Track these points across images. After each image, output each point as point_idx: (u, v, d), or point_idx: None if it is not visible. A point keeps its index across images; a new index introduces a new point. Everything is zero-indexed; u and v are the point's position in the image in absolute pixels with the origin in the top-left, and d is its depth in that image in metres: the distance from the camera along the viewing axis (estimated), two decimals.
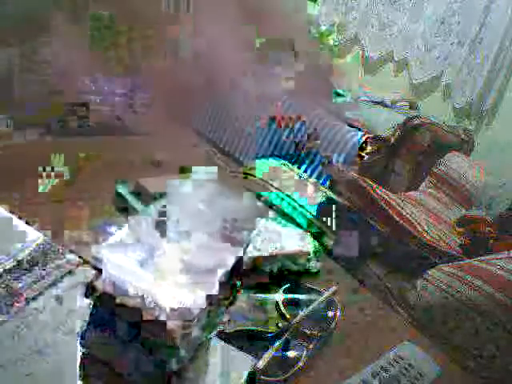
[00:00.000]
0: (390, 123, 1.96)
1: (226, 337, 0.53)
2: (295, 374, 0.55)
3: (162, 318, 0.34)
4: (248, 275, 0.65)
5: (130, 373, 0.39)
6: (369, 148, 1.89)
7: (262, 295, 0.65)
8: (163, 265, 0.37)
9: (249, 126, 2.15)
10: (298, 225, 1.40)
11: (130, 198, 0.71)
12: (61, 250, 0.55)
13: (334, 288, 0.66)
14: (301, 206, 1.47)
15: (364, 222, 1.35)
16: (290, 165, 1.71)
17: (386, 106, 2.38)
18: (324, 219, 1.41)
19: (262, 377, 0.53)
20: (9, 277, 0.50)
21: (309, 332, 0.60)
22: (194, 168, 0.56)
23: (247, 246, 0.41)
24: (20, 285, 0.50)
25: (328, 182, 1.75)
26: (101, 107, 1.03)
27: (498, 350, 1.03)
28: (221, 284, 0.37)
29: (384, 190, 1.41)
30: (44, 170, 0.75)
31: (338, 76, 2.55)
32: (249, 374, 0.50)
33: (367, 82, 2.60)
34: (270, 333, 0.58)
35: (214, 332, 0.46)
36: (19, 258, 0.52)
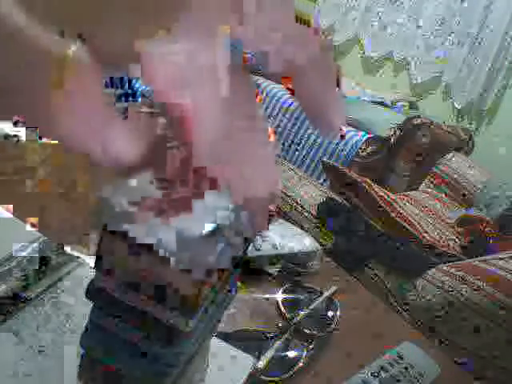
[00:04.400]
0: (390, 123, 1.96)
1: (225, 337, 0.53)
2: (295, 373, 0.55)
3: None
4: (248, 275, 0.65)
5: (130, 373, 0.39)
6: (369, 148, 1.89)
7: (262, 295, 0.65)
8: None
9: None
10: (298, 225, 1.40)
11: None
12: (61, 250, 0.55)
13: (334, 288, 0.66)
14: (301, 205, 1.47)
15: (363, 222, 1.35)
16: (289, 164, 1.71)
17: (385, 105, 2.38)
18: (324, 219, 1.41)
19: (262, 377, 0.53)
20: (9, 277, 0.50)
21: (309, 332, 0.60)
22: None
23: (248, 246, 0.41)
24: (20, 285, 0.50)
25: (328, 182, 1.75)
26: None
27: (498, 349, 1.03)
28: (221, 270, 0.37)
29: (384, 189, 1.41)
30: None
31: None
32: (249, 374, 0.50)
33: (367, 82, 2.61)
34: (270, 333, 0.58)
35: (215, 332, 0.46)
36: (19, 259, 0.52)
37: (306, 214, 1.44)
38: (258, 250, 0.68)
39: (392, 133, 1.89)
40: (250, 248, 0.43)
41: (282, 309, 0.63)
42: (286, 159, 2.01)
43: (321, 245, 0.75)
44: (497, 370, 1.02)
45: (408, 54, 2.53)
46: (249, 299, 0.64)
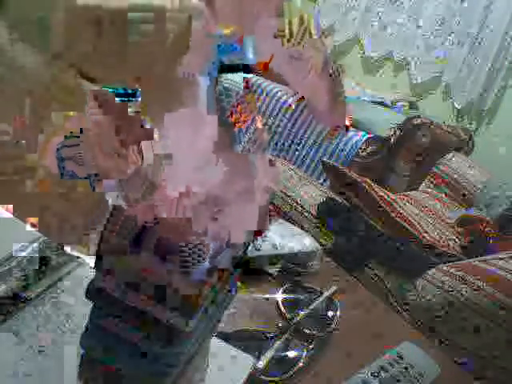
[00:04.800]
0: (390, 123, 1.96)
1: (225, 337, 0.53)
2: (295, 373, 0.55)
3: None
4: (248, 275, 0.65)
5: (130, 373, 0.39)
6: (369, 148, 1.89)
7: (262, 295, 0.65)
8: None
9: None
10: (298, 225, 1.40)
11: None
12: (61, 250, 0.55)
13: (334, 288, 0.66)
14: (301, 205, 1.47)
15: (363, 222, 1.35)
16: (289, 164, 1.71)
17: (385, 105, 2.38)
18: (324, 219, 1.41)
19: (262, 377, 0.53)
20: (9, 277, 0.50)
21: (309, 332, 0.60)
22: None
23: (248, 246, 0.41)
24: (20, 285, 0.50)
25: (328, 182, 1.75)
26: None
27: (498, 349, 1.03)
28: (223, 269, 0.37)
29: (384, 189, 1.41)
30: None
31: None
32: (249, 374, 0.50)
33: (367, 82, 2.60)
34: (270, 333, 0.58)
35: (215, 332, 0.46)
36: (19, 259, 0.52)
37: (306, 214, 1.44)
38: (258, 250, 0.68)
39: (392, 133, 1.89)
40: (250, 248, 0.43)
41: (282, 309, 0.63)
42: (286, 159, 2.01)
43: (321, 245, 0.75)
44: (497, 369, 1.02)
45: (408, 54, 2.53)
46: (249, 299, 0.63)
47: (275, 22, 0.33)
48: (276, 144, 2.13)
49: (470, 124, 2.39)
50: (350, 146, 1.95)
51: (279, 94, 2.15)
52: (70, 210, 0.46)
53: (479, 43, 2.27)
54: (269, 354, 0.54)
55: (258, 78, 2.19)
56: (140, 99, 0.31)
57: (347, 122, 0.36)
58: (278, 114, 2.14)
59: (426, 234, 1.31)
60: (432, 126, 1.89)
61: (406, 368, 0.58)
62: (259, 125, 0.38)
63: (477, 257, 1.20)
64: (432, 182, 1.93)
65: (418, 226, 1.32)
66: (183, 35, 0.30)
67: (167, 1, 0.32)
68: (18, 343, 0.44)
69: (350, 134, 1.98)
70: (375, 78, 2.71)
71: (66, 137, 0.33)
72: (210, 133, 0.29)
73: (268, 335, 0.57)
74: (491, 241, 1.43)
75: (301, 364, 0.56)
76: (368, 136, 1.95)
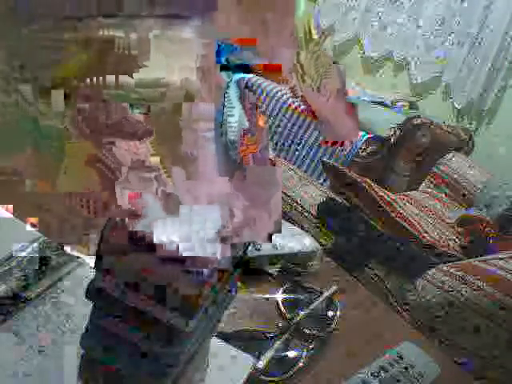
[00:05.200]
0: (390, 123, 1.96)
1: (225, 337, 0.53)
2: (295, 373, 0.55)
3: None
4: (248, 275, 0.65)
5: (130, 373, 0.39)
6: (369, 148, 1.89)
7: (262, 295, 0.65)
8: None
9: None
10: (298, 225, 1.40)
11: None
12: (61, 250, 0.55)
13: (334, 288, 0.66)
14: (301, 205, 1.47)
15: (363, 222, 1.36)
16: (289, 164, 1.71)
17: (385, 105, 2.38)
18: (324, 219, 1.41)
19: (262, 377, 0.53)
20: (9, 277, 0.50)
21: (309, 332, 0.60)
22: None
23: (247, 246, 0.41)
24: (20, 285, 0.50)
25: (328, 182, 1.75)
26: None
27: (498, 349, 1.03)
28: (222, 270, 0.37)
29: (384, 189, 1.41)
30: None
31: None
32: (249, 374, 0.50)
33: (367, 82, 2.60)
34: (270, 333, 0.58)
35: (215, 332, 0.46)
36: (19, 259, 0.52)
37: (306, 214, 1.44)
38: (258, 250, 0.68)
39: (392, 133, 1.89)
40: (249, 248, 0.43)
41: (282, 309, 0.63)
42: (286, 159, 2.01)
43: (321, 245, 0.75)
44: (497, 369, 1.02)
45: (408, 54, 2.53)
46: (249, 299, 0.63)
47: (290, 54, 0.34)
48: (276, 144, 2.13)
49: (470, 124, 2.38)
50: (350, 146, 1.95)
51: (279, 94, 2.15)
52: (69, 210, 0.46)
53: (479, 43, 2.27)
54: (269, 354, 0.54)
55: (258, 78, 2.19)
56: None
57: None
58: (278, 114, 2.14)
59: (426, 234, 1.31)
60: (432, 126, 1.89)
61: (405, 368, 0.58)
62: (261, 123, 0.38)
63: (477, 257, 1.20)
64: (432, 182, 1.93)
65: (417, 226, 1.32)
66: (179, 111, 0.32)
67: (170, 78, 0.32)
68: (18, 343, 0.44)
69: None
70: (375, 78, 2.71)
71: None
72: (221, 187, 0.30)
73: (268, 335, 0.57)
74: (491, 241, 1.43)
75: (301, 364, 0.56)
76: (368, 136, 1.95)
